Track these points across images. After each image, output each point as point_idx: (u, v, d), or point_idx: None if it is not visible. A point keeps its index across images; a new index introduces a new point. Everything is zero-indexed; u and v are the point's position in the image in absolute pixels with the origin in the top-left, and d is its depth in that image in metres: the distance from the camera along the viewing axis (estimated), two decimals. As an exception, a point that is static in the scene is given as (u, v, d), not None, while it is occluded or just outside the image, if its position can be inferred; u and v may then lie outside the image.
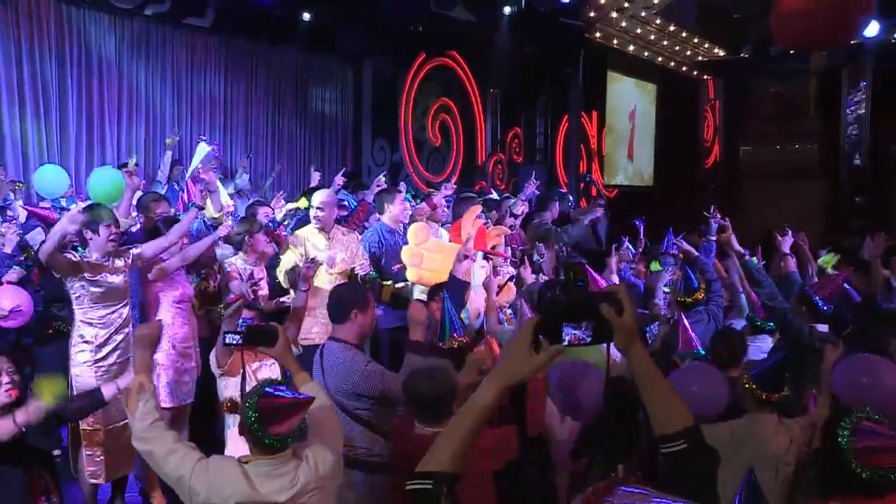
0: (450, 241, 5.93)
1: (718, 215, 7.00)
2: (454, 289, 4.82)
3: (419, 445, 2.69)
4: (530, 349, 1.58)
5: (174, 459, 2.68)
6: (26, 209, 6.19)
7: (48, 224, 5.50)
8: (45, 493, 3.42)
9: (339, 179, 7.63)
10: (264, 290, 5.42)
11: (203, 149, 6.20)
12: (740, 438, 3.23)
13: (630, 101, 16.84)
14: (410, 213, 6.61)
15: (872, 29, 9.97)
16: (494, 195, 8.99)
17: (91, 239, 4.49)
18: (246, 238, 5.35)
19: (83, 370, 4.49)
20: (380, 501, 3.55)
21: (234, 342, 2.98)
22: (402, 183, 7.43)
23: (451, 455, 1.58)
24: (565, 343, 1.58)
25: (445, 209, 7.05)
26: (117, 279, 4.57)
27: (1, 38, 7.99)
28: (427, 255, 5.58)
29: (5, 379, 3.27)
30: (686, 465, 1.54)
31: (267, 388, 2.66)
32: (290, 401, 2.63)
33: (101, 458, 4.53)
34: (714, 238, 6.91)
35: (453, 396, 3.12)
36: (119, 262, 4.60)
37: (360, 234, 6.15)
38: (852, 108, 16.54)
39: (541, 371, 1.62)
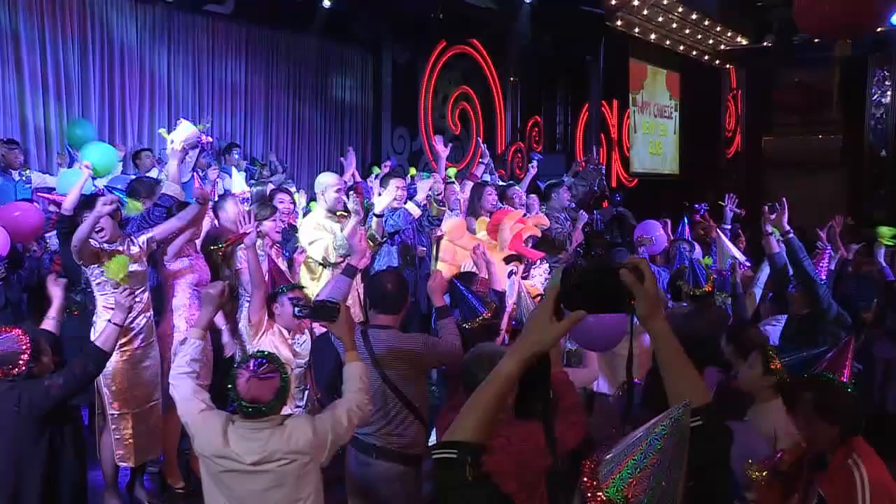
0: (487, 234, 5.92)
1: (731, 204, 6.99)
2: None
3: None
4: (552, 317, 1.58)
5: (185, 406, 3.05)
6: (40, 195, 6.25)
7: (58, 206, 5.53)
8: None
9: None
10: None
11: (187, 127, 5.25)
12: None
13: (653, 89, 16.76)
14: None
15: (899, 17, 9.82)
16: (499, 181, 8.99)
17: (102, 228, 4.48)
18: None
19: (107, 355, 4.52)
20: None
21: (302, 315, 3.26)
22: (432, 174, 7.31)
23: (476, 425, 1.58)
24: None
25: (458, 196, 7.06)
26: (134, 265, 4.54)
27: (24, 25, 8.01)
28: (460, 252, 5.59)
29: None
30: (701, 442, 1.51)
31: (247, 359, 2.95)
32: (257, 371, 2.88)
33: (130, 441, 4.56)
34: (729, 227, 6.91)
35: None
36: (134, 248, 4.59)
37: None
38: (877, 98, 16.35)
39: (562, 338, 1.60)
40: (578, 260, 1.65)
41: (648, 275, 1.59)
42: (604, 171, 11.83)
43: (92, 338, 4.52)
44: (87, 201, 4.60)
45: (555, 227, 7.15)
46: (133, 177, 6.77)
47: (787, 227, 4.91)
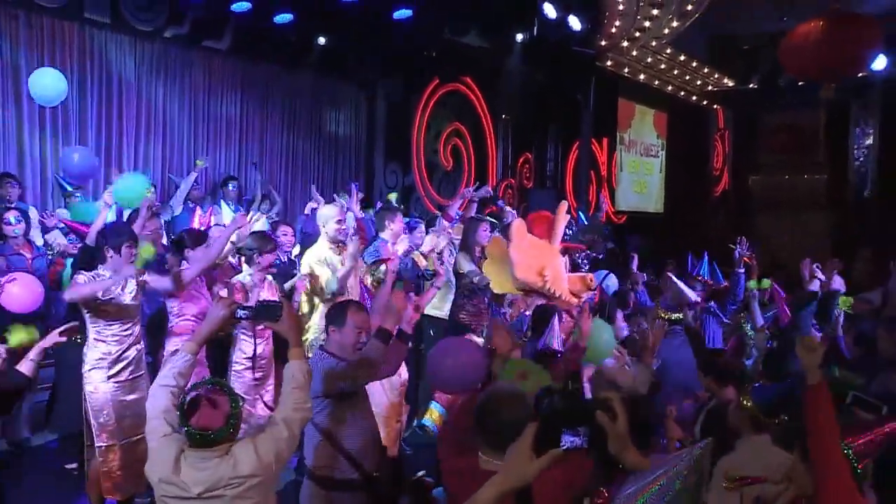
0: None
1: (741, 247, 6.92)
2: None
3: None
4: (531, 454, 1.65)
5: (152, 424, 2.96)
6: (65, 222, 6.39)
7: (83, 237, 5.63)
8: None
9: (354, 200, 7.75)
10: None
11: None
12: (738, 463, 3.23)
13: (640, 128, 17.00)
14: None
15: (880, 62, 10.09)
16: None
17: (111, 258, 4.57)
18: (255, 255, 5.27)
19: (98, 386, 4.56)
20: None
21: (244, 317, 3.21)
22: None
23: None
24: (563, 448, 1.69)
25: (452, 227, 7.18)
26: (128, 300, 4.61)
27: (25, 59, 8.12)
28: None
29: None
30: None
31: (199, 385, 2.89)
32: (202, 395, 2.82)
33: (118, 473, 4.58)
34: (742, 271, 6.88)
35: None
36: (132, 283, 4.64)
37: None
38: (860, 139, 16.65)
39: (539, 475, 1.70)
40: (556, 399, 1.77)
41: (621, 414, 1.74)
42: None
43: (83, 370, 4.59)
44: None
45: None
46: None
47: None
